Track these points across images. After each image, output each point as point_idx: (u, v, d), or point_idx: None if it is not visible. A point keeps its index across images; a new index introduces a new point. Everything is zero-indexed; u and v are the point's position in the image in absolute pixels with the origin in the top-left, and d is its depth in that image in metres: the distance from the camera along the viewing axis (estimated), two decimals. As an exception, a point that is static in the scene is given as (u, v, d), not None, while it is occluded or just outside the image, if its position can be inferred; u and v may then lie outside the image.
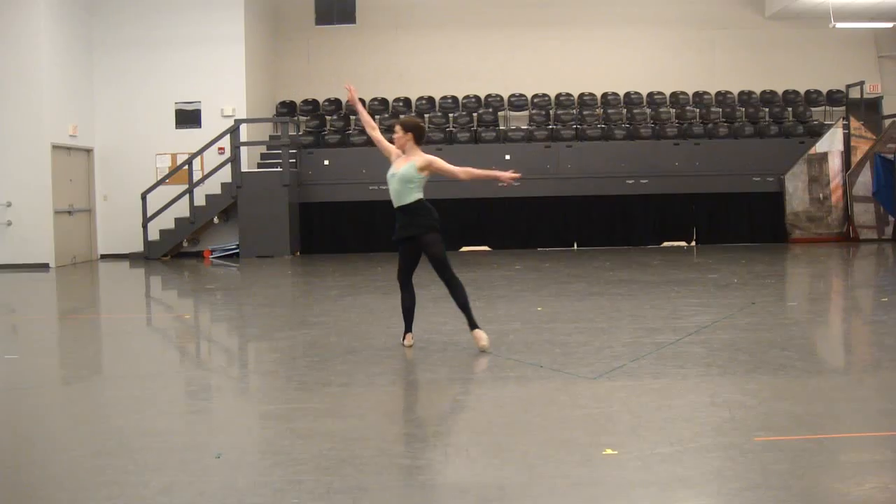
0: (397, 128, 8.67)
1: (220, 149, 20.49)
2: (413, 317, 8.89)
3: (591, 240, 20.95)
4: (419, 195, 8.54)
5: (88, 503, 4.64)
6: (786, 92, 23.13)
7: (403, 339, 8.86)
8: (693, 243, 21.02)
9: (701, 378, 7.24)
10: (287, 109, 22.91)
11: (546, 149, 21.16)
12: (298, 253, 20.60)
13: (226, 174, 20.26)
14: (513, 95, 23.10)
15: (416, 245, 8.60)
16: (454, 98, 23.09)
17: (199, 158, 20.40)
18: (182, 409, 6.90)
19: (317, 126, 22.53)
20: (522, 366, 7.74)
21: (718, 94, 23.08)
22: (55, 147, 19.27)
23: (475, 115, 22.71)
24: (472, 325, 8.59)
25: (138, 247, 20.54)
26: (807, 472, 4.84)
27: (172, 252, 20.62)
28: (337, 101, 23.11)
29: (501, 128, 22.32)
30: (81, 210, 20.55)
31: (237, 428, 6.28)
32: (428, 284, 14.17)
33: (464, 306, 8.59)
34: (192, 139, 20.66)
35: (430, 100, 23.05)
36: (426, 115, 22.61)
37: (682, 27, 23.22)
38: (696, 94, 23.08)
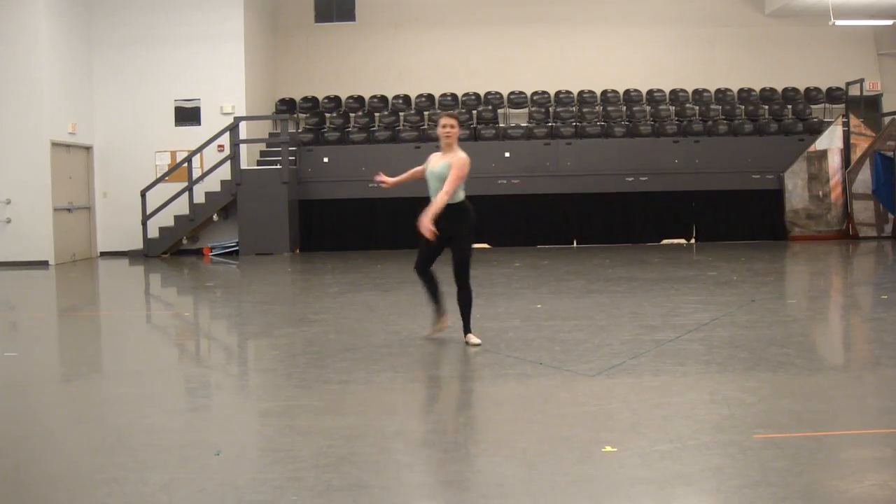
0: (453, 121, 8.52)
1: (219, 146, 20.49)
2: (442, 298, 8.95)
3: (591, 237, 20.96)
4: (462, 195, 8.50)
5: (88, 501, 4.64)
6: (785, 89, 23.13)
7: (438, 323, 8.96)
8: (692, 241, 21.03)
9: (700, 375, 7.24)
10: (286, 107, 22.90)
11: (545, 146, 21.16)
12: (298, 250, 20.61)
13: (225, 172, 20.26)
14: (512, 93, 23.09)
15: (444, 239, 8.56)
16: (454, 95, 23.08)
17: (198, 156, 20.38)
18: (182, 407, 6.89)
19: (316, 123, 22.52)
20: (522, 363, 7.74)
21: (718, 91, 23.07)
22: (55, 144, 19.26)
23: (475, 112, 22.70)
24: (466, 331, 8.64)
25: (138, 244, 20.54)
26: (806, 470, 4.84)
27: (172, 249, 20.62)
28: (336, 99, 23.10)
29: (501, 125, 22.32)
30: (81, 207, 20.55)
31: (237, 425, 6.28)
32: (427, 282, 14.19)
33: (464, 313, 8.63)
34: (191, 137, 20.65)
35: (430, 97, 23.05)
36: (425, 113, 22.59)
37: (682, 24, 23.21)
38: (696, 91, 23.07)
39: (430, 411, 6.26)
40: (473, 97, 23.04)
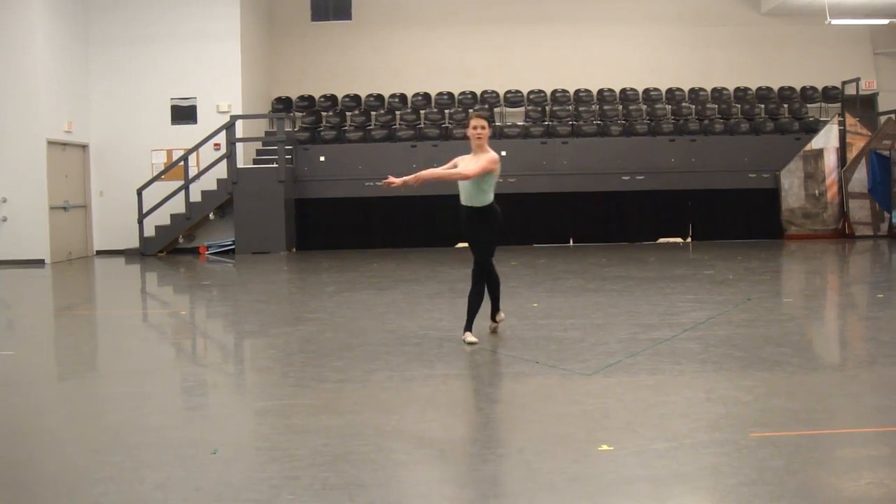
0: (483, 122, 8.56)
1: (215, 145, 20.48)
2: (490, 300, 8.95)
3: (587, 236, 20.96)
4: (491, 197, 8.56)
5: (84, 499, 4.63)
6: (781, 88, 23.14)
7: (494, 319, 9.03)
8: (689, 240, 21.04)
9: (697, 374, 7.24)
10: (283, 105, 22.88)
11: (542, 145, 21.17)
12: (294, 249, 20.60)
13: (221, 170, 20.25)
14: (509, 91, 23.09)
15: (471, 240, 8.71)
16: (450, 94, 23.08)
17: (194, 154, 20.38)
18: (178, 406, 6.89)
19: (312, 122, 22.52)
20: (518, 362, 7.74)
21: (714, 90, 23.08)
22: (50, 143, 19.24)
23: (471, 111, 22.58)
24: (467, 328, 8.61)
25: (134, 243, 20.53)
26: (802, 468, 4.84)
27: (168, 248, 20.61)
28: (332, 97, 23.09)
29: (497, 124, 22.30)
30: (77, 206, 20.53)
31: (233, 424, 6.28)
32: (424, 280, 14.21)
33: (471, 311, 8.59)
34: (187, 135, 20.64)
35: (426, 96, 23.04)
36: (422, 112, 22.58)
37: (678, 23, 23.22)
38: (692, 90, 23.08)
39: (427, 410, 6.26)
40: (470, 96, 23.04)
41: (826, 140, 20.75)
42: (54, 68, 19.55)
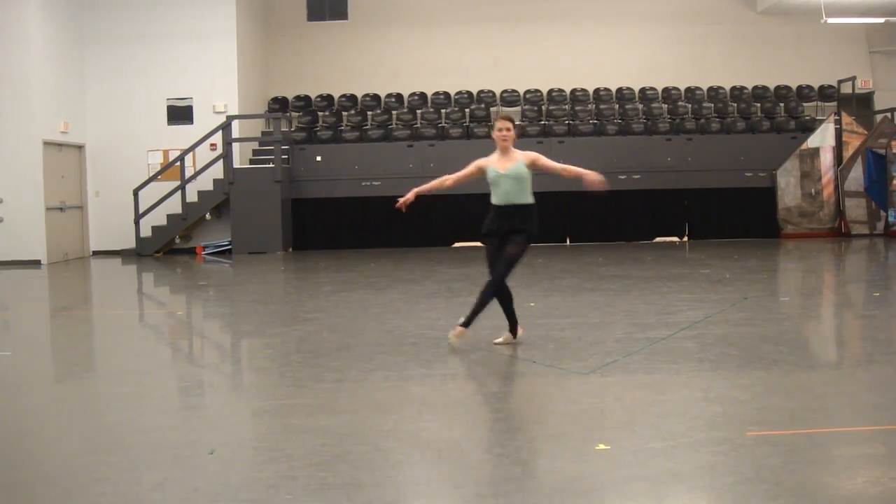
0: (509, 124, 8.64)
1: (211, 145, 20.47)
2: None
3: (584, 235, 20.97)
4: (532, 196, 8.54)
5: (82, 500, 4.63)
6: (777, 87, 23.16)
7: (515, 333, 8.60)
8: (685, 239, 21.05)
9: (693, 373, 7.25)
10: (279, 105, 22.87)
11: (538, 144, 21.15)
12: (291, 249, 20.59)
13: (218, 170, 20.24)
14: (505, 91, 23.09)
15: (503, 235, 8.50)
16: (446, 94, 23.07)
17: (190, 155, 20.34)
18: (175, 406, 6.89)
19: (309, 122, 22.50)
20: (516, 361, 7.75)
21: (710, 89, 23.09)
22: (46, 143, 19.23)
23: (467, 110, 22.69)
24: (464, 324, 8.55)
25: (130, 243, 20.50)
26: (799, 467, 4.85)
27: (164, 248, 20.60)
28: (329, 97, 23.08)
29: (493, 123, 22.28)
30: (73, 206, 20.51)
31: (230, 424, 6.28)
32: (421, 280, 14.21)
33: (479, 305, 8.50)
34: (183, 135, 20.62)
35: (423, 95, 23.04)
36: (418, 111, 22.58)
37: (674, 22, 23.23)
38: (688, 89, 23.09)
39: (424, 410, 6.26)
40: (466, 96, 23.04)
41: (822, 139, 20.77)
42: (50, 69, 19.53)
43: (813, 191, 20.73)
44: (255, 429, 6.14)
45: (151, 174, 20.56)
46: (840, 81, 22.29)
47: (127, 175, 20.58)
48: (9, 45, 18.80)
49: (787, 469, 4.80)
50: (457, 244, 20.73)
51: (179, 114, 21.06)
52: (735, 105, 22.76)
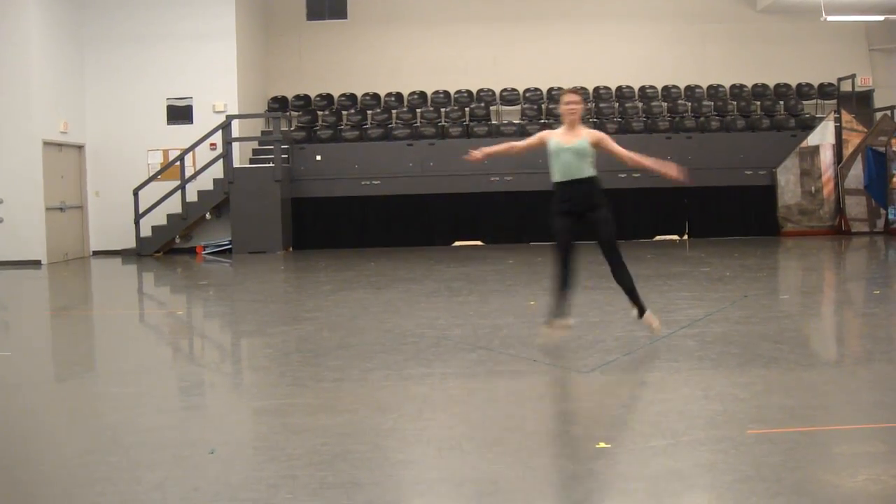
0: (577, 97, 8.35)
1: (211, 144, 20.46)
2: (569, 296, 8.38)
3: (584, 234, 20.90)
4: (594, 169, 8.33)
5: (82, 500, 4.63)
6: (777, 85, 23.15)
7: (562, 320, 8.30)
8: (685, 237, 21.05)
9: (694, 371, 7.25)
10: (279, 105, 22.86)
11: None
12: (291, 248, 20.59)
13: (218, 170, 20.24)
14: (504, 90, 23.08)
15: (580, 220, 8.35)
16: (446, 93, 23.07)
17: (190, 154, 20.33)
18: (175, 406, 6.89)
19: (308, 121, 22.50)
20: (516, 360, 7.74)
21: (710, 87, 23.08)
22: (46, 143, 19.22)
23: (467, 109, 22.69)
24: (641, 312, 8.39)
25: (130, 243, 20.49)
26: (799, 465, 4.85)
27: (164, 248, 20.60)
28: (328, 97, 23.08)
29: (493, 122, 22.33)
30: (73, 206, 20.51)
31: (230, 424, 6.27)
32: (421, 279, 14.21)
33: (630, 290, 8.40)
34: (183, 135, 20.61)
35: (422, 94, 23.04)
36: (418, 110, 22.58)
37: (674, 21, 23.21)
38: (688, 87, 23.08)
39: (424, 409, 6.26)
40: (466, 94, 23.03)
41: (822, 137, 20.76)
42: (49, 69, 19.53)
43: (813, 189, 20.73)
44: (255, 428, 6.14)
45: (151, 174, 20.56)
46: (840, 79, 22.29)
47: (127, 175, 20.57)
48: (8, 45, 18.79)
49: (788, 467, 4.80)
50: (457, 243, 20.73)
51: (179, 113, 21.06)
52: (735, 103, 22.75)
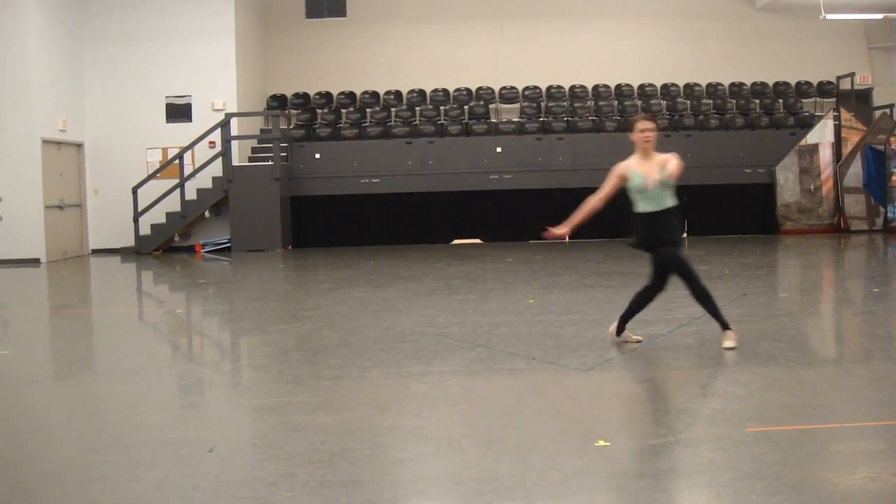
0: (652, 125, 8.12)
1: (210, 143, 20.47)
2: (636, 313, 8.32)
3: (583, 232, 20.85)
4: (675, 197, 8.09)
5: (81, 498, 4.63)
6: (776, 83, 23.15)
7: (625, 335, 8.26)
8: (684, 235, 21.01)
9: (692, 369, 7.25)
10: (278, 103, 22.86)
11: (537, 141, 21.17)
12: (290, 247, 20.58)
13: (217, 168, 20.24)
14: (504, 88, 23.08)
15: (656, 242, 8.06)
16: (445, 91, 23.06)
17: (189, 152, 20.35)
18: (175, 404, 6.88)
19: (308, 119, 22.49)
20: (515, 358, 7.75)
21: (709, 85, 23.09)
22: (45, 142, 19.22)
23: (466, 107, 22.69)
24: (725, 324, 8.01)
25: (129, 241, 20.49)
26: (798, 463, 4.85)
27: (164, 246, 20.59)
28: (327, 95, 23.08)
29: (493, 120, 22.33)
30: (72, 205, 20.51)
31: (230, 422, 6.28)
32: (420, 277, 14.21)
33: (712, 306, 8.10)
34: (182, 133, 20.62)
35: (422, 93, 23.03)
36: (417, 109, 22.59)
37: (673, 19, 23.22)
38: (687, 85, 23.08)
39: (423, 406, 6.26)
40: (465, 92, 23.03)
41: (821, 135, 20.77)
42: (48, 67, 19.52)
43: (812, 187, 20.74)
44: (254, 426, 6.14)
45: (150, 172, 20.55)
46: (839, 77, 22.31)
47: (126, 173, 20.57)
48: (7, 44, 18.79)
49: (787, 465, 4.80)
50: (456, 241, 20.73)
51: (178, 111, 21.05)
52: (734, 101, 22.75)
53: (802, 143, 20.80)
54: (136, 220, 20.31)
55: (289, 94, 23.08)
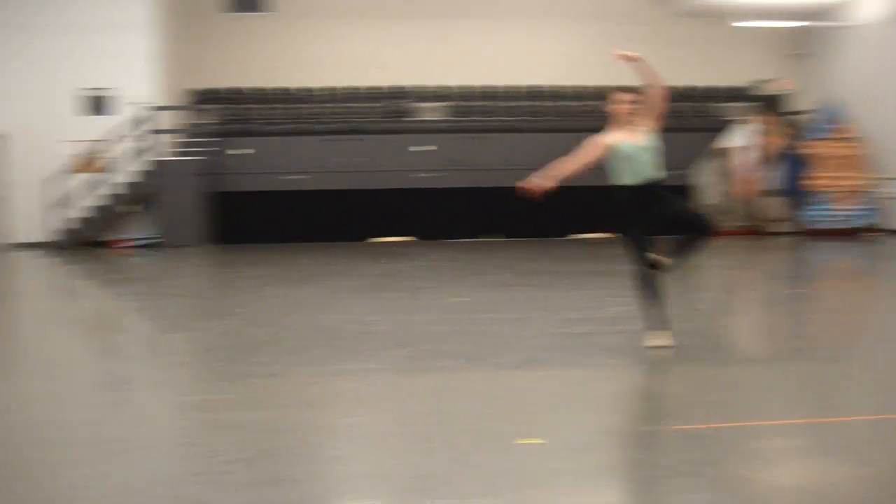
0: (626, 96, 8.34)
1: (133, 137, 20.13)
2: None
3: (511, 231, 21.07)
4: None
5: (2, 499, 4.55)
6: (694, 88, 23.46)
7: (657, 337, 7.73)
8: (610, 234, 21.25)
9: (618, 368, 7.34)
10: (201, 98, 22.56)
11: (466, 139, 21.23)
12: (215, 243, 20.36)
13: (139, 163, 19.95)
14: (429, 87, 23.06)
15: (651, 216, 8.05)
16: (367, 88, 22.95)
17: (111, 147, 20.00)
18: (98, 402, 6.79)
19: (233, 114, 22.23)
20: (443, 356, 7.77)
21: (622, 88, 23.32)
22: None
23: (388, 105, 22.63)
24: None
25: (51, 236, 20.10)
26: (721, 460, 4.94)
27: (86, 242, 20.24)
28: (252, 90, 22.78)
29: (414, 119, 22.33)
30: (-11, 198, 20.09)
31: (157, 420, 6.21)
32: (349, 274, 14.19)
33: (686, 247, 8.18)
34: (102, 127, 20.24)
35: (348, 89, 22.92)
36: (344, 106, 22.47)
37: (588, 21, 23.33)
38: (601, 87, 23.26)
39: (354, 404, 6.26)
40: (386, 91, 22.95)
41: (739, 139, 21.12)
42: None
43: (730, 190, 21.09)
44: (182, 424, 6.09)
45: (70, 166, 20.16)
46: (756, 83, 22.68)
47: (44, 167, 20.10)
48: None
49: (710, 462, 4.89)
50: (384, 239, 20.72)
51: (99, 105, 20.66)
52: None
53: (721, 146, 21.15)
54: (57, 216, 19.92)
55: (213, 88, 22.75)
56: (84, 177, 19.87)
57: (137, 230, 20.49)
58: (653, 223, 8.11)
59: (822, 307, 11.48)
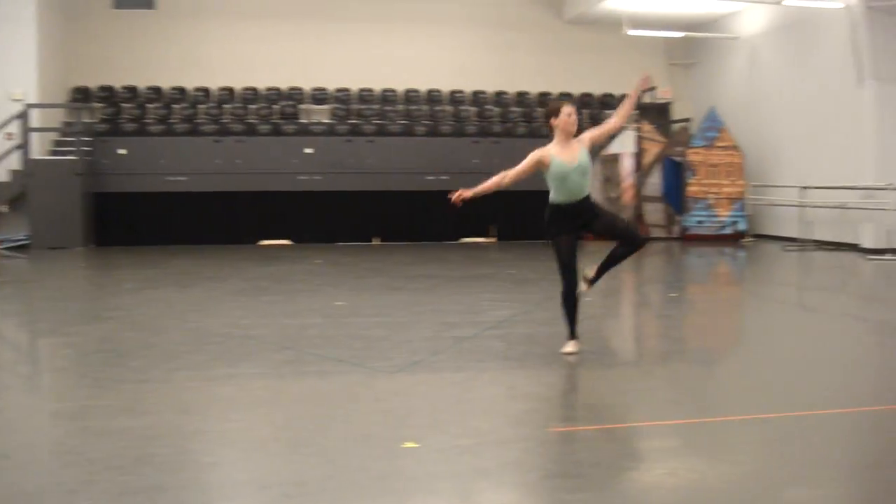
0: (573, 109, 8.18)
1: (7, 135, 19.52)
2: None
3: (392, 235, 21.07)
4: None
5: None
6: (583, 94, 23.88)
7: (572, 345, 7.95)
8: (493, 239, 21.41)
9: (499, 371, 7.37)
10: (81, 95, 22.04)
11: (347, 143, 21.15)
12: (92, 245, 19.87)
13: (14, 161, 19.35)
14: (314, 89, 22.96)
15: (580, 227, 8.23)
16: (255, 89, 22.76)
17: (-17, 144, 19.38)
18: (-36, 408, 6.54)
19: (113, 113, 21.77)
20: (322, 360, 7.70)
21: (518, 94, 23.61)
22: None
23: (276, 107, 22.45)
24: (592, 281, 8.38)
25: (-85, 237, 19.39)
26: (601, 461, 4.99)
27: (-46, 243, 19.57)
28: (134, 89, 22.38)
29: (303, 121, 22.19)
30: None
31: (26, 427, 5.99)
32: (227, 278, 13.98)
33: (614, 260, 8.31)
34: (-23, 123, 19.63)
35: (231, 90, 22.66)
36: (225, 107, 22.20)
37: (484, 28, 23.64)
38: (497, 93, 23.54)
39: (229, 410, 6.15)
40: (275, 92, 22.79)
41: (623, 146, 21.51)
42: None
43: (614, 195, 21.45)
44: (52, 432, 5.88)
45: (-61, 164, 19.48)
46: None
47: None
48: None
49: (591, 463, 4.93)
50: (264, 242, 20.49)
51: (-28, 101, 20.02)
52: (542, 110, 23.30)
53: (605, 152, 21.50)
54: (-77, 214, 19.23)
55: (93, 86, 22.25)
56: (-47, 175, 19.20)
57: (10, 231, 19.85)
58: (580, 235, 8.25)
59: (697, 310, 11.75)
